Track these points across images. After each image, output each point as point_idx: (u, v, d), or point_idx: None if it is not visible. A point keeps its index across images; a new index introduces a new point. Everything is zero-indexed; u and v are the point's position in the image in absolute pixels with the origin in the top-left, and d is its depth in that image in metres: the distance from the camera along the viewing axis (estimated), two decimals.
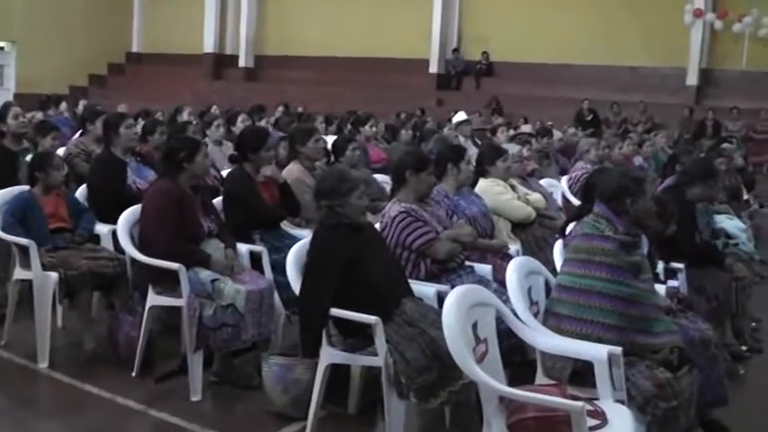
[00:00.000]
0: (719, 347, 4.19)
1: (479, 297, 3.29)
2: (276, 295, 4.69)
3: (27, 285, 4.94)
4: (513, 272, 3.77)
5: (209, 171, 5.31)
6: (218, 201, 5.26)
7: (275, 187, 5.44)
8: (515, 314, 3.61)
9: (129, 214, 4.82)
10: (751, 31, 16.77)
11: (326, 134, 10.28)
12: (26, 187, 5.23)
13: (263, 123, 10.37)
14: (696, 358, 3.77)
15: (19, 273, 4.97)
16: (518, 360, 4.00)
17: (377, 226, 4.56)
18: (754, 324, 6.10)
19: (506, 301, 4.01)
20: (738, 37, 17.08)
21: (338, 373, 4.10)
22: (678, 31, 17.27)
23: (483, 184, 5.68)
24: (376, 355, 3.73)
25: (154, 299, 4.62)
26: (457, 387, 3.63)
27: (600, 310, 3.44)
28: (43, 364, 4.79)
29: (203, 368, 4.46)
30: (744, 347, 5.63)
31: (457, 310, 3.03)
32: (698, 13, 16.98)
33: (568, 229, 4.20)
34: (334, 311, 3.77)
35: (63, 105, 11.74)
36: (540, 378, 3.64)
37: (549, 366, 3.59)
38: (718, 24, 17.02)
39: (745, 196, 9.27)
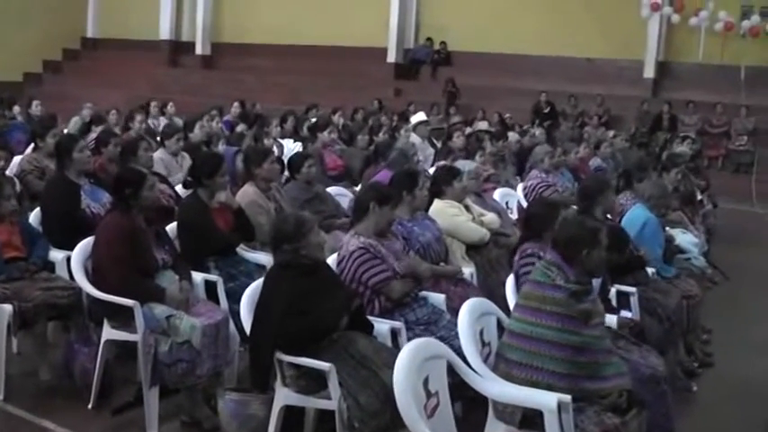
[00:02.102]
0: (669, 380, 4.31)
1: (431, 351, 3.35)
2: (232, 324, 4.70)
3: None
4: (465, 315, 3.82)
5: (158, 200, 5.25)
6: (171, 227, 5.25)
7: (229, 213, 5.45)
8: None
9: (83, 247, 4.79)
10: (707, 25, 16.96)
11: (282, 135, 10.29)
12: None
13: (216, 125, 10.33)
14: (645, 395, 3.89)
15: None
16: (470, 395, 4.06)
17: (333, 257, 4.59)
18: (705, 336, 6.26)
19: (457, 335, 4.11)
20: (695, 30, 17.28)
21: (292, 410, 4.13)
22: (635, 23, 17.40)
23: (438, 206, 5.72)
24: (330, 398, 3.76)
25: (109, 332, 4.60)
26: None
27: (550, 359, 3.50)
28: None
29: (159, 397, 4.44)
30: (695, 364, 5.76)
31: (407, 372, 3.09)
32: (655, 7, 17.13)
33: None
34: (289, 358, 3.79)
35: (16, 109, 11.38)
36: (492, 420, 3.70)
37: (500, 410, 3.65)
38: (675, 18, 17.18)
39: (699, 197, 9.43)
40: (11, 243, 5.06)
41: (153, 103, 12.60)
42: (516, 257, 4.58)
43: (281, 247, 4.03)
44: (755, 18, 16.31)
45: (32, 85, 22.79)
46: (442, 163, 7.26)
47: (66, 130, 10.13)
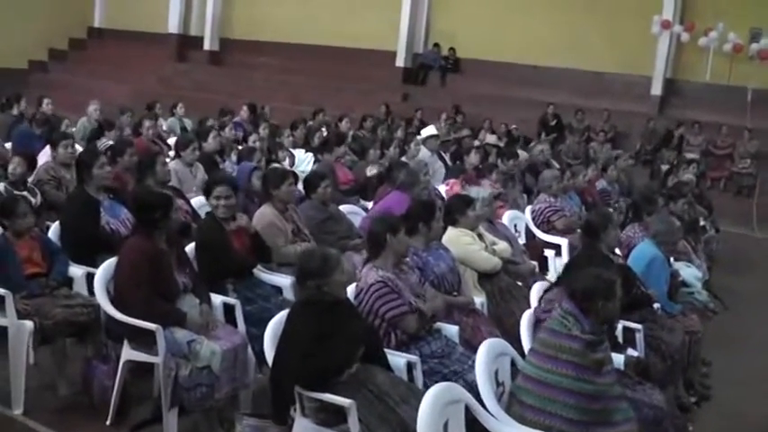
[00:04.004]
0: (670, 417, 4.44)
1: (451, 395, 3.48)
2: (249, 348, 4.82)
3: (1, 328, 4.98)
4: (482, 357, 3.94)
5: (179, 222, 5.36)
6: (190, 248, 5.36)
7: (247, 235, 5.56)
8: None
9: (106, 268, 4.89)
10: (716, 46, 17.01)
11: (294, 145, 10.39)
12: None
13: (229, 131, 10.42)
14: None
15: None
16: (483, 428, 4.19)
17: (351, 288, 4.70)
18: (704, 370, 6.36)
19: (472, 366, 4.24)
20: (704, 50, 17.32)
21: None
22: (645, 39, 17.46)
23: (451, 234, 5.83)
24: (348, 431, 3.87)
25: (129, 353, 4.71)
26: None
27: (563, 405, 3.63)
28: (18, 411, 4.85)
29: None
30: (693, 399, 5.87)
31: (429, 417, 3.22)
32: (666, 24, 17.20)
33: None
34: (310, 394, 3.89)
35: (23, 105, 11.39)
36: None
37: None
38: (685, 36, 17.24)
39: (702, 223, 9.55)
40: (32, 259, 5.18)
41: (158, 105, 12.62)
42: (545, 302, 4.64)
43: (306, 283, 4.13)
44: (765, 41, 16.36)
45: (37, 74, 22.86)
46: (457, 187, 7.35)
47: (73, 130, 10.25)
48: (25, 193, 6.20)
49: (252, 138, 9.53)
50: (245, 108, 13.47)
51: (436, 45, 20.69)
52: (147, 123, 9.67)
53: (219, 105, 13.98)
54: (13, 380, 4.88)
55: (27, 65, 23.33)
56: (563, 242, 7.48)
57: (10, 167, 6.45)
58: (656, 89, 17.93)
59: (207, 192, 5.60)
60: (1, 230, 5.21)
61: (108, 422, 4.77)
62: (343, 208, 7.21)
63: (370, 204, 8.02)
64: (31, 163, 6.83)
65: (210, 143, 8.63)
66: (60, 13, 23.71)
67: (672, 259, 6.50)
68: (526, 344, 4.43)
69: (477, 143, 12.48)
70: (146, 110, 12.42)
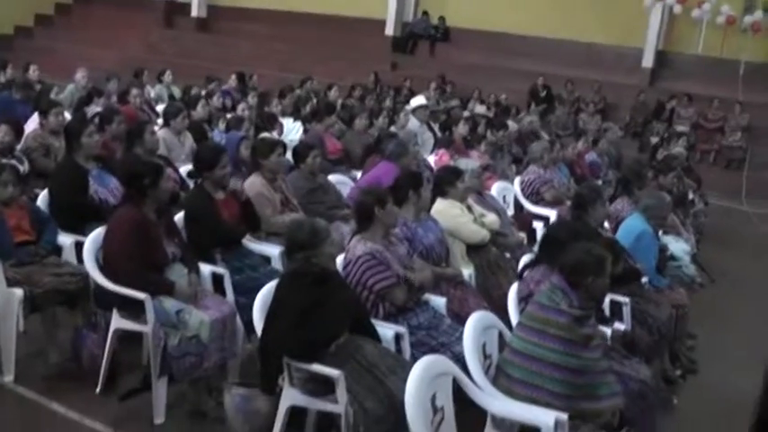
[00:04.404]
0: (655, 391, 4.49)
1: (439, 368, 3.50)
2: (237, 318, 4.83)
3: None
4: (470, 330, 3.96)
5: (170, 191, 5.32)
6: (179, 218, 5.34)
7: (236, 204, 5.55)
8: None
9: (95, 237, 4.88)
10: (709, 18, 16.94)
11: (282, 114, 10.34)
12: None
13: (217, 100, 10.38)
14: (634, 410, 4.08)
15: None
16: (468, 398, 4.22)
17: (339, 260, 4.71)
18: (690, 343, 6.42)
19: (459, 338, 4.27)
20: (696, 22, 17.24)
21: (295, 408, 4.26)
22: (637, 11, 17.32)
23: (440, 206, 5.83)
24: (336, 401, 3.90)
25: (118, 322, 4.72)
26: None
27: (550, 379, 3.66)
28: (8, 378, 4.87)
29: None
30: (678, 372, 5.93)
31: (417, 390, 3.25)
32: None
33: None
34: (299, 364, 3.92)
35: (9, 71, 11.24)
36: (490, 429, 3.86)
37: (498, 421, 3.81)
38: (678, 8, 17.10)
39: (690, 196, 9.60)
40: (20, 227, 5.17)
41: (146, 72, 12.50)
42: (526, 283, 4.64)
43: (294, 254, 4.13)
44: (758, 13, 16.30)
45: (23, 40, 22.61)
46: (446, 158, 7.35)
47: (62, 96, 10.18)
48: (13, 161, 6.14)
49: (240, 106, 9.48)
50: (233, 76, 13.37)
51: (425, 13, 20.55)
52: (134, 91, 9.61)
53: (206, 72, 13.89)
54: (3, 347, 4.91)
55: (13, 30, 23.09)
56: (551, 214, 7.50)
57: None
58: (648, 61, 17.90)
59: (213, 163, 5.45)
60: None
61: (97, 390, 4.80)
62: (332, 178, 7.20)
63: (358, 174, 8.01)
64: (16, 130, 6.75)
65: (199, 111, 8.59)
66: None
67: (660, 233, 6.52)
68: (513, 317, 4.46)
69: (466, 113, 12.47)
70: (133, 77, 12.34)
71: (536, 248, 5.17)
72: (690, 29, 17.59)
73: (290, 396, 4.04)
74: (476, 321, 4.04)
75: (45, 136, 6.98)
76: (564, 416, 3.54)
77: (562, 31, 18.22)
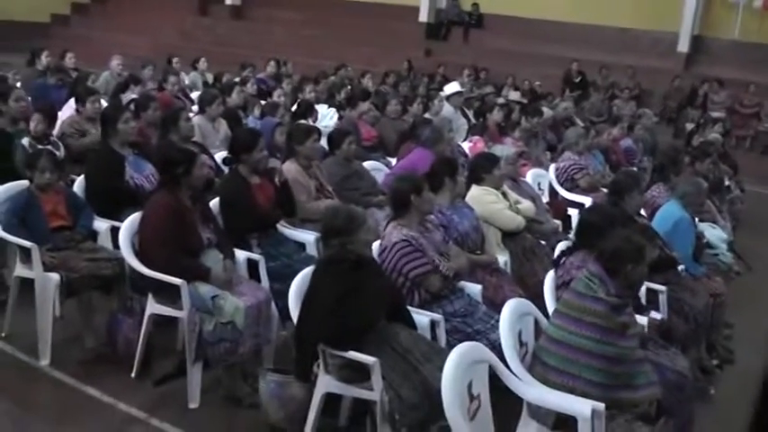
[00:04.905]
0: (692, 382, 4.42)
1: (475, 355, 3.46)
2: (272, 304, 4.84)
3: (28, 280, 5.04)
4: (506, 318, 3.92)
5: (205, 178, 5.33)
6: (214, 203, 5.36)
7: (271, 188, 5.56)
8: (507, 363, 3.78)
9: (131, 223, 4.90)
10: (746, 2, 16.73)
11: (316, 100, 10.33)
12: (25, 182, 5.29)
13: (251, 87, 10.40)
14: (671, 401, 4.02)
15: (20, 270, 5.07)
16: (503, 386, 4.20)
17: (375, 246, 4.69)
18: (727, 332, 6.33)
19: (494, 326, 4.25)
20: (733, 6, 17.03)
21: (330, 394, 4.26)
22: None
23: (475, 192, 5.80)
24: (371, 389, 3.89)
25: (154, 307, 4.75)
26: (446, 423, 3.81)
27: (587, 368, 3.62)
28: (44, 362, 4.93)
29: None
30: (715, 362, 5.85)
31: (453, 377, 3.22)
32: None
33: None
34: (334, 351, 3.91)
35: (44, 58, 11.27)
36: (525, 418, 3.84)
37: (534, 409, 3.78)
38: None
39: (727, 182, 9.46)
40: (56, 212, 5.25)
41: (175, 60, 12.52)
42: (566, 269, 4.58)
43: (330, 241, 4.13)
44: None
45: (60, 28, 22.81)
46: (481, 145, 7.29)
47: (97, 84, 10.23)
48: (49, 147, 6.19)
49: (276, 92, 9.48)
50: (271, 63, 13.38)
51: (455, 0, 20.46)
52: (172, 79, 9.65)
53: (241, 60, 13.89)
54: (40, 331, 4.96)
55: (49, 18, 23.30)
56: (587, 201, 7.42)
57: (32, 124, 6.42)
58: (683, 46, 17.67)
59: (251, 145, 5.47)
60: (27, 184, 5.25)
61: (132, 374, 4.84)
62: (366, 164, 7.18)
63: (393, 161, 7.98)
64: (51, 116, 6.79)
65: (234, 98, 8.62)
66: None
67: (696, 220, 6.44)
68: (550, 304, 4.41)
69: (500, 100, 12.37)
70: (166, 64, 12.39)
71: (572, 235, 5.11)
72: (726, 13, 17.36)
73: (325, 383, 4.05)
74: (512, 308, 4.00)
75: (81, 122, 7.05)
76: (601, 405, 3.50)
77: (596, 16, 18.06)
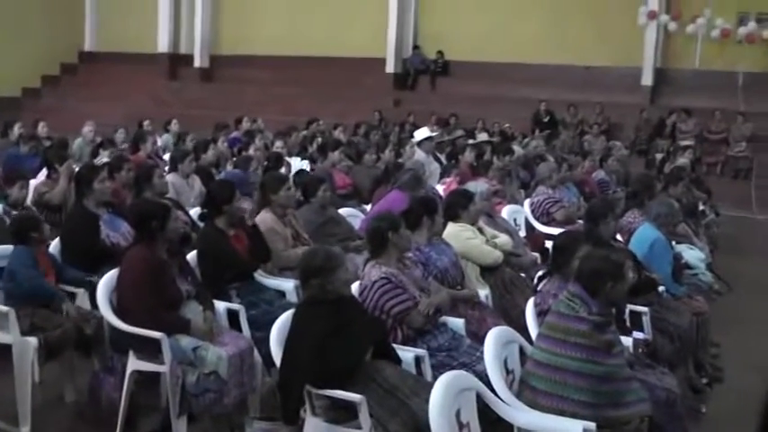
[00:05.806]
0: (682, 400, 4.41)
1: (461, 383, 3.45)
2: (256, 352, 4.79)
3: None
4: (490, 346, 3.92)
5: (179, 231, 5.32)
6: (192, 256, 5.34)
7: (245, 237, 5.55)
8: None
9: (108, 280, 4.85)
10: (704, 32, 17.11)
11: (288, 154, 10.38)
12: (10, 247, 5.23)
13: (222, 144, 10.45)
14: (662, 418, 4.01)
15: None
16: (493, 417, 4.16)
17: (355, 286, 4.68)
18: (714, 351, 6.34)
19: (480, 358, 4.22)
20: (692, 37, 17.42)
21: None
22: (633, 31, 17.55)
23: (452, 230, 5.81)
24: (359, 428, 3.85)
25: (135, 363, 4.67)
26: None
27: (575, 388, 3.61)
28: (25, 429, 4.80)
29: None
30: (705, 380, 5.85)
31: (441, 406, 3.21)
32: (652, 15, 17.30)
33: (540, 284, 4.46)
34: (320, 391, 3.87)
35: (17, 129, 11.22)
36: None
37: None
38: (672, 26, 17.33)
39: (701, 207, 9.55)
40: (48, 270, 5.22)
41: (146, 122, 12.57)
42: (543, 296, 4.59)
43: (309, 281, 4.11)
44: (752, 24, 16.49)
45: (31, 101, 22.90)
46: (454, 185, 7.32)
47: (71, 149, 10.23)
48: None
49: (252, 147, 9.57)
50: (244, 120, 13.48)
51: (416, 47, 20.74)
52: (150, 138, 9.70)
53: (213, 121, 13.92)
54: (19, 398, 4.84)
55: (20, 92, 23.39)
56: None
57: (15, 190, 6.39)
58: (647, 79, 18.04)
59: (229, 196, 5.51)
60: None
61: None
62: (342, 211, 7.19)
63: (368, 208, 8.00)
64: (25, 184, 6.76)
65: (209, 155, 8.66)
66: (51, 40, 23.89)
67: (674, 243, 6.48)
68: (533, 332, 4.40)
69: (471, 141, 12.49)
70: (137, 128, 12.41)
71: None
72: (686, 44, 17.75)
73: (313, 425, 3.98)
74: (495, 336, 4.00)
75: (52, 186, 7.01)
76: (592, 425, 3.49)
77: (560, 55, 18.38)
